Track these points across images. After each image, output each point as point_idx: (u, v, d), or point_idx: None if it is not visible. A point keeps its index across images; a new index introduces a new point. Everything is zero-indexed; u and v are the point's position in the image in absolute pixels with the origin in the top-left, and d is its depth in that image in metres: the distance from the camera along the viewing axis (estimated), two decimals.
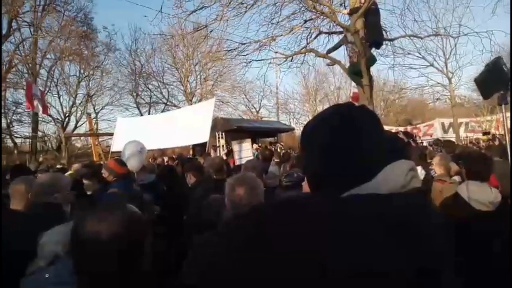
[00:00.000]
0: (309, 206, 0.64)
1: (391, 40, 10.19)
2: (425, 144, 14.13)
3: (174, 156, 11.48)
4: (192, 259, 1.70)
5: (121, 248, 1.13)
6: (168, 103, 26.81)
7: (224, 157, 8.43)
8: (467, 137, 19.36)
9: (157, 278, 1.35)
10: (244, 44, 9.70)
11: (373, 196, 0.67)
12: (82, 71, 24.42)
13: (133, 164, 4.05)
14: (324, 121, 0.81)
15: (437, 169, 3.77)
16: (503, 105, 2.94)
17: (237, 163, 8.53)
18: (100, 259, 1.11)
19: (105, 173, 3.73)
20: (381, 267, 0.56)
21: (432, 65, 19.65)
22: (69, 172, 5.75)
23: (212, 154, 9.25)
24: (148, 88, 27.44)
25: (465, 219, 2.13)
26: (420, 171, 3.87)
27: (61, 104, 24.08)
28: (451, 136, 19.47)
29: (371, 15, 7.45)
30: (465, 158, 2.66)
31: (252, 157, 8.90)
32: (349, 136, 0.74)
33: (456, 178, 3.54)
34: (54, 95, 23.58)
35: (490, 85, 3.18)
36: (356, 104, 0.86)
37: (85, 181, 3.89)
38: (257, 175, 3.12)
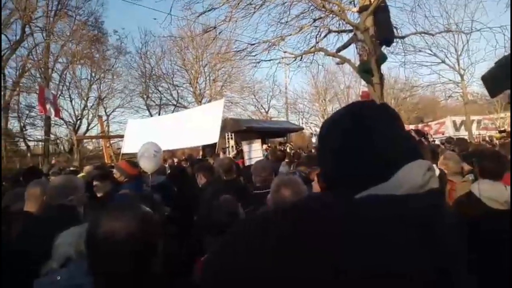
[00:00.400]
0: (322, 209, 0.63)
1: (402, 37, 10.09)
2: (437, 142, 13.94)
3: (184, 157, 11.55)
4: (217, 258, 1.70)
5: (136, 247, 1.14)
6: (178, 104, 27.00)
7: (233, 158, 8.44)
8: (479, 134, 19.05)
9: (168, 279, 1.36)
10: (253, 44, 9.72)
11: (390, 197, 0.66)
12: (93, 74, 24.82)
13: (148, 166, 4.08)
14: (336, 123, 0.80)
15: (444, 168, 3.72)
16: None
17: (247, 163, 8.53)
18: (115, 259, 1.12)
19: (116, 174, 3.77)
20: (400, 268, 0.55)
21: (443, 62, 19.41)
22: (81, 174, 5.83)
23: (221, 156, 9.27)
24: (158, 90, 27.70)
25: (478, 217, 2.10)
26: (436, 171, 3.82)
27: (73, 107, 24.52)
28: (463, 134, 19.18)
29: (381, 12, 7.40)
30: (478, 156, 2.61)
31: (262, 158, 8.90)
32: (360, 136, 0.73)
33: (469, 176, 3.49)
34: (66, 99, 24.02)
35: (499, 82, 3.03)
36: (369, 101, 0.85)
37: (95, 183, 3.93)
38: (267, 175, 3.12)
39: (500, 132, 16.22)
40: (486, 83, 3.23)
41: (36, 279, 1.31)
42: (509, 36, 9.16)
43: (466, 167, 3.71)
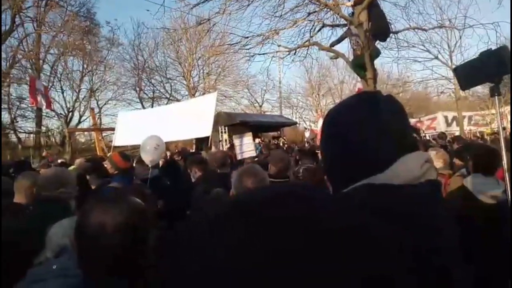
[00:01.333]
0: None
1: (395, 32, 10.09)
2: (428, 137, 14.08)
3: (177, 151, 11.50)
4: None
5: (125, 239, 1.13)
6: (171, 97, 26.87)
7: (226, 151, 8.42)
8: (470, 130, 19.27)
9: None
10: (247, 37, 9.65)
11: (384, 186, 0.65)
12: (85, 66, 24.58)
13: (149, 159, 4.08)
14: (352, 111, 0.78)
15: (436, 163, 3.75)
16: (496, 97, 2.79)
17: (239, 157, 8.50)
18: (104, 251, 1.12)
19: (108, 165, 3.76)
20: (386, 261, 0.54)
21: (436, 58, 19.48)
22: (73, 166, 5.77)
23: (213, 149, 9.23)
24: (151, 82, 27.51)
25: (471, 211, 2.12)
26: None
27: (64, 99, 24.29)
28: (454, 129, 19.38)
29: (376, 6, 7.39)
30: (471, 152, 2.64)
31: (253, 151, 8.87)
32: (375, 126, 0.72)
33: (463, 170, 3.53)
34: (58, 90, 23.79)
35: (470, 79, 3.00)
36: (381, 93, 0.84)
37: (87, 176, 3.91)
38: (283, 166, 3.11)
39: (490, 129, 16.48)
40: (458, 77, 3.24)
41: (30, 269, 1.29)
42: (501, 33, 9.24)
43: (458, 162, 3.75)
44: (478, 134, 17.23)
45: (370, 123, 0.72)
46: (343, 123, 0.76)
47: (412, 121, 21.15)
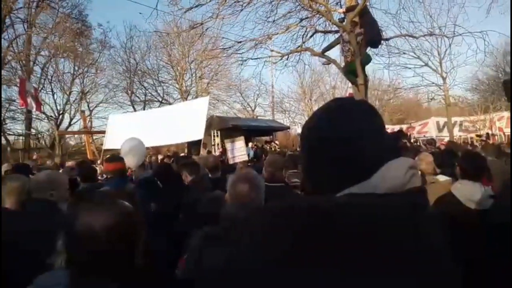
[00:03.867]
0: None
1: (387, 39, 10.22)
2: (419, 143, 14.22)
3: (169, 154, 11.44)
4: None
5: (114, 242, 1.14)
6: (163, 101, 26.72)
7: (217, 155, 8.40)
8: (460, 136, 19.52)
9: (152, 274, 1.35)
10: (240, 42, 9.70)
11: (370, 196, 0.66)
12: (76, 68, 24.25)
13: (131, 161, 4.03)
14: (322, 115, 0.79)
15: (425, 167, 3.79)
16: None
17: (231, 162, 8.50)
18: (93, 253, 1.12)
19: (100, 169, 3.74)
20: (376, 269, 0.56)
21: (427, 64, 19.72)
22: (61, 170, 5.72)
23: (202, 152, 9.18)
24: (143, 86, 27.35)
25: (458, 217, 2.16)
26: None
27: (55, 102, 23.93)
28: (445, 135, 19.61)
29: (367, 14, 7.49)
30: (459, 157, 2.69)
31: (245, 156, 8.88)
32: (346, 132, 0.72)
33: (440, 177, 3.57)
34: (48, 92, 23.44)
35: None
36: (350, 99, 0.85)
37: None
38: (274, 170, 3.13)
39: (478, 136, 16.71)
40: (506, 89, 3.38)
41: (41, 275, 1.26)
42: (489, 41, 9.42)
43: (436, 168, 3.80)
44: (469, 140, 17.45)
45: (353, 130, 0.72)
46: (325, 131, 0.75)
47: (404, 126, 21.38)
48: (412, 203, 0.66)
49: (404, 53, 13.69)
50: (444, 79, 20.41)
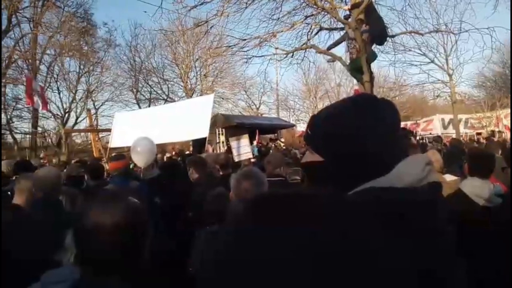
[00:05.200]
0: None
1: (392, 36, 10.16)
2: (424, 140, 14.13)
3: (175, 152, 11.47)
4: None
5: (122, 237, 1.14)
6: (168, 99, 26.76)
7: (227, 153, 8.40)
8: (466, 134, 19.37)
9: (158, 271, 1.36)
10: (245, 40, 9.69)
11: (388, 190, 0.67)
12: (82, 67, 24.40)
13: (140, 160, 4.05)
14: (346, 109, 0.78)
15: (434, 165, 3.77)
16: None
17: (236, 160, 8.50)
18: (102, 249, 1.13)
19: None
20: (385, 263, 0.56)
21: (433, 61, 19.58)
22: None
23: (209, 149, 9.18)
24: (148, 84, 27.42)
25: (467, 214, 2.14)
26: None
27: (61, 100, 24.11)
28: (451, 132, 19.48)
29: (373, 10, 7.45)
30: (467, 155, 2.67)
31: (250, 153, 8.87)
32: (369, 127, 0.73)
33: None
34: (54, 91, 23.60)
35: None
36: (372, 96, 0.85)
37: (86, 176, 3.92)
38: (273, 169, 3.16)
39: (478, 134, 16.62)
40: None
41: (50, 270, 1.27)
42: (496, 37, 9.33)
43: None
44: (475, 138, 17.29)
45: (374, 126, 0.73)
46: (347, 125, 0.75)
47: (409, 123, 21.26)
48: (429, 197, 0.67)
49: (409, 50, 13.59)
50: (450, 76, 20.27)
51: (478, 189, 2.29)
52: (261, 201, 0.67)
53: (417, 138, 14.96)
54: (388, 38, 9.41)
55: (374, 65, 8.22)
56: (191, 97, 24.72)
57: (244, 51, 10.02)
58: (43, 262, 1.28)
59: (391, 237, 0.58)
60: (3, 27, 19.50)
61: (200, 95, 24.31)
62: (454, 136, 17.10)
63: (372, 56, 7.90)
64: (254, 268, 0.56)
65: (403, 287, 0.56)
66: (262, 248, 0.57)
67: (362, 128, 0.73)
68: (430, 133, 18.76)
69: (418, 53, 17.72)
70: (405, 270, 0.56)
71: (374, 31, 7.45)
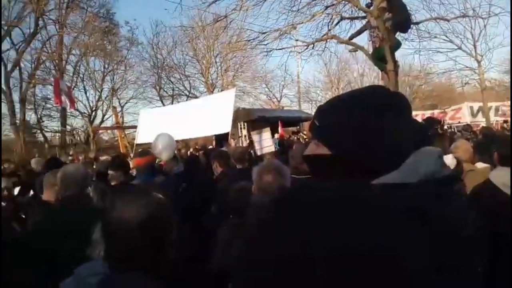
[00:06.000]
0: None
1: (416, 23, 9.85)
2: (453, 129, 13.70)
3: (197, 147, 11.61)
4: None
5: (149, 232, 1.17)
6: (190, 95, 27.08)
7: (246, 147, 8.43)
8: (497, 122, 18.59)
9: (182, 265, 1.38)
10: (264, 33, 9.64)
11: (400, 186, 0.65)
12: (106, 65, 25.06)
13: (163, 155, 4.12)
14: (361, 101, 0.76)
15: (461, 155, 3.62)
16: None
17: (258, 153, 8.50)
18: (130, 243, 1.16)
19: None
20: (402, 258, 0.55)
21: (460, 48, 18.87)
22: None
23: (233, 143, 9.23)
24: (170, 80, 27.81)
25: (496, 205, 2.07)
26: (452, 160, 3.71)
27: (87, 99, 24.90)
28: (480, 120, 18.76)
29: None
30: (497, 143, 2.57)
31: (272, 147, 8.85)
32: (377, 125, 0.71)
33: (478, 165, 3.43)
34: (81, 90, 24.39)
35: None
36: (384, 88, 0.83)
37: (110, 172, 4.00)
38: (296, 163, 3.09)
39: (505, 122, 15.87)
40: None
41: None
42: None
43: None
44: (506, 125, 16.58)
45: (391, 119, 0.71)
46: (363, 116, 0.73)
47: (436, 112, 20.62)
48: (443, 190, 0.65)
49: (435, 37, 13.14)
50: (479, 62, 19.48)
51: (507, 178, 2.20)
52: (284, 199, 0.67)
53: (445, 127, 14.50)
54: (412, 26, 9.13)
55: (398, 54, 8.00)
56: (212, 92, 24.91)
57: (264, 45, 9.99)
58: (76, 256, 1.32)
59: (409, 232, 0.57)
60: (31, 30, 20.22)
61: (221, 90, 24.45)
62: (483, 124, 16.44)
63: (396, 45, 7.70)
64: (274, 266, 0.57)
65: (421, 281, 0.55)
66: (283, 246, 0.57)
67: (379, 121, 0.71)
68: (459, 122, 18.12)
69: (444, 40, 17.13)
70: (424, 265, 0.55)
71: (397, 18, 7.24)
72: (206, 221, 2.98)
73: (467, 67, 20.25)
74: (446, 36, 16.98)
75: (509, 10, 9.10)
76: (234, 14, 9.25)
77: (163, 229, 1.22)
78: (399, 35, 8.06)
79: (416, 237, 0.57)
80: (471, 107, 19.65)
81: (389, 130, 0.70)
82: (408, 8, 8.24)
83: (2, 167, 7.46)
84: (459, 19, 11.36)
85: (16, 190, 4.19)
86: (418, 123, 0.80)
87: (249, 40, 10.72)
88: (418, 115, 16.80)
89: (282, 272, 0.56)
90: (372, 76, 29.33)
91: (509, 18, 9.11)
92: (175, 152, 4.91)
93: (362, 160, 0.71)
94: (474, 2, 13.77)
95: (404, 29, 8.03)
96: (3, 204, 3.54)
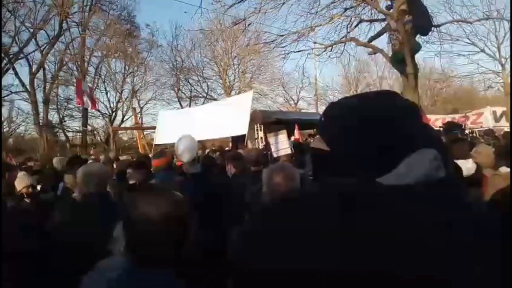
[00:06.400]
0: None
1: (437, 26, 9.68)
2: (475, 134, 13.34)
3: (214, 148, 11.69)
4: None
5: (167, 229, 1.20)
6: (207, 96, 27.33)
7: (261, 149, 8.43)
8: None
9: (200, 262, 1.41)
10: (282, 35, 9.67)
11: (393, 188, 0.65)
12: (127, 67, 25.57)
13: (184, 157, 4.18)
14: (365, 102, 0.78)
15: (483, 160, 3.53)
16: None
17: (274, 155, 8.50)
18: (150, 239, 1.20)
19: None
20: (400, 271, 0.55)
21: (483, 51, 18.44)
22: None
23: (250, 145, 9.27)
24: (189, 82, 28.14)
25: None
26: (472, 165, 3.63)
27: (108, 100, 25.48)
28: (504, 125, 18.21)
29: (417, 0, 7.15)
30: None
31: (288, 149, 8.82)
32: (382, 123, 0.71)
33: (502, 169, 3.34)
34: (102, 91, 24.99)
35: None
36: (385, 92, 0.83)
37: (129, 171, 4.08)
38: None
39: None
40: None
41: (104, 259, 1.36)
42: None
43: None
44: None
45: (400, 120, 0.71)
46: (363, 116, 0.73)
47: (457, 116, 20.14)
48: (434, 194, 0.63)
49: (457, 40, 12.89)
50: (503, 65, 18.97)
51: None
52: (289, 201, 0.68)
53: (466, 131, 14.14)
54: (433, 28, 8.97)
55: (418, 56, 7.90)
56: (229, 94, 25.07)
57: (282, 47, 10.03)
58: (98, 251, 1.37)
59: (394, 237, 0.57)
60: (55, 32, 20.83)
61: (238, 92, 24.57)
62: (507, 129, 15.96)
63: (416, 47, 7.60)
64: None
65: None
66: (287, 248, 0.58)
67: (389, 122, 0.71)
68: (481, 127, 17.63)
69: (467, 43, 16.79)
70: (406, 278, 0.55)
71: (418, 21, 7.15)
72: (221, 223, 3.01)
73: (490, 70, 19.76)
74: (469, 39, 16.65)
75: None
76: (252, 16, 9.30)
77: (183, 227, 1.25)
78: (419, 38, 7.95)
79: (399, 245, 0.57)
80: (494, 112, 19.08)
81: (386, 133, 0.70)
82: (429, 11, 8.12)
83: (26, 165, 7.73)
84: (483, 21, 11.13)
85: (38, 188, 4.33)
86: (428, 130, 0.78)
87: (267, 43, 10.77)
88: (439, 119, 16.43)
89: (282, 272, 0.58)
90: (391, 79, 28.94)
91: None
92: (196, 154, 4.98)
93: (355, 160, 0.72)
94: (498, 3, 13.44)
95: (425, 32, 7.91)
96: (27, 201, 3.67)
